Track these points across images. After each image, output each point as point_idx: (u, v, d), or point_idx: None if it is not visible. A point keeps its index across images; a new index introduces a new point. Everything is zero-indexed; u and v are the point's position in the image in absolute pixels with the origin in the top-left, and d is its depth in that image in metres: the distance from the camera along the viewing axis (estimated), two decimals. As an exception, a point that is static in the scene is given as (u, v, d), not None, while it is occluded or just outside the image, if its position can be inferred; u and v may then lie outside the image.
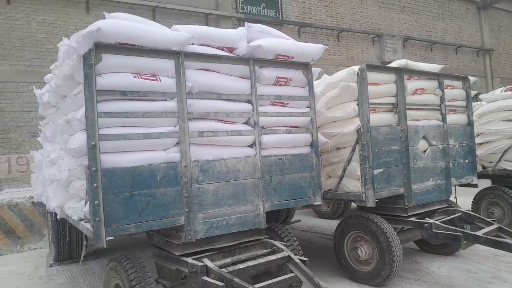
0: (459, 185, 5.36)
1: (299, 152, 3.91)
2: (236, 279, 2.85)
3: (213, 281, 2.85)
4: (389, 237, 4.08)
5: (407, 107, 4.54)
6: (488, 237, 4.00)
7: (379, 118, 4.32)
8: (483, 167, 6.21)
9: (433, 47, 16.14)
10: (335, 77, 4.44)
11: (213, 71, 3.43)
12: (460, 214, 4.81)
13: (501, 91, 5.97)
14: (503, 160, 5.91)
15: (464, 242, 4.05)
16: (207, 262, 3.09)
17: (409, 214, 4.45)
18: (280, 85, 3.84)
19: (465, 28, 17.68)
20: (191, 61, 3.25)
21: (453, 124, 5.10)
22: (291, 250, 3.63)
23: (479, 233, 4.13)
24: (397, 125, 4.45)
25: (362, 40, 14.25)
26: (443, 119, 4.89)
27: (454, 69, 16.60)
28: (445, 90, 5.03)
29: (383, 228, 4.13)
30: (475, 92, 5.45)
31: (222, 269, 3.01)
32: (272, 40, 3.79)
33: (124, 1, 9.76)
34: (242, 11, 11.78)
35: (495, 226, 4.42)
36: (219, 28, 3.82)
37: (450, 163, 4.96)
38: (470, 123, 5.29)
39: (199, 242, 3.28)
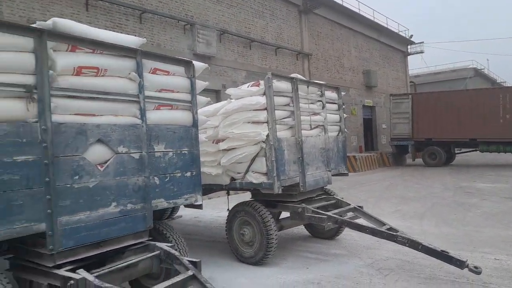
0: (185, 206, 4.02)
1: None
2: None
3: None
4: None
5: (63, 93, 2.86)
6: None
7: (-11, 108, 2.52)
8: (233, 179, 5.02)
9: (251, 45, 15.56)
10: None
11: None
12: (158, 252, 3.35)
13: (248, 86, 4.79)
14: (250, 171, 4.76)
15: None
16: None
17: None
18: None
19: (285, 29, 17.71)
20: None
21: (167, 124, 3.65)
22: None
23: None
24: (36, 122, 2.72)
25: (171, 26, 12.63)
26: (142, 116, 3.38)
27: (273, 70, 16.38)
28: (152, 75, 3.54)
29: None
30: (206, 83, 4.10)
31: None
32: None
33: None
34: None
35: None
36: None
37: (156, 178, 3.48)
38: (195, 124, 3.93)
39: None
